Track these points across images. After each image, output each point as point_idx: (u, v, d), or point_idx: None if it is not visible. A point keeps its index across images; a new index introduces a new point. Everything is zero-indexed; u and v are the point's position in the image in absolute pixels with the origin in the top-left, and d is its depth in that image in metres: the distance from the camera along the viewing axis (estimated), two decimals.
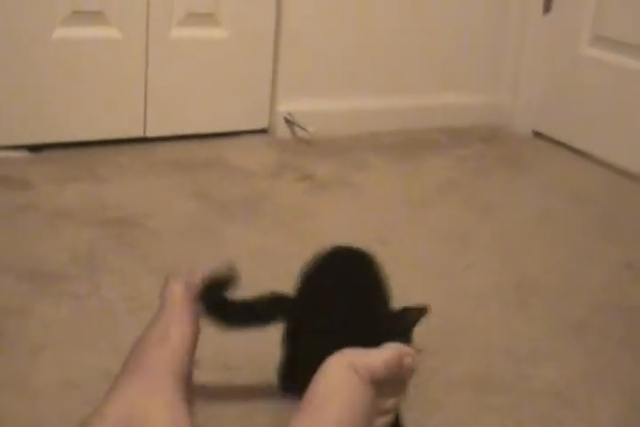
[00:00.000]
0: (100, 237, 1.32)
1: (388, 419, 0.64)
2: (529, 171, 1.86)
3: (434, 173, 1.78)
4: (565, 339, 1.16)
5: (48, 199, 1.45)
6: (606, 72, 1.91)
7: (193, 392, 0.58)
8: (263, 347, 0.94)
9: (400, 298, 0.97)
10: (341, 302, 0.86)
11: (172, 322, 0.59)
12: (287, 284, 1.22)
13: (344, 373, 0.58)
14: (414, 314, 0.93)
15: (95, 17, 1.65)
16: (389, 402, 0.64)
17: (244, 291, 1.19)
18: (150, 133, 1.76)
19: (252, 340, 0.91)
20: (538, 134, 2.08)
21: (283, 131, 1.89)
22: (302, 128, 1.86)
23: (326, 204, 1.56)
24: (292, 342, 0.88)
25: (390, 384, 0.62)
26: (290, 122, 1.88)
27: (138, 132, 1.74)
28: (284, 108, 1.88)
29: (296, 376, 0.85)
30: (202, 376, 0.91)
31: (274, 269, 1.25)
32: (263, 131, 1.90)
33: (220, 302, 0.84)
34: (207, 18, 1.77)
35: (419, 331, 0.96)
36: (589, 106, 1.96)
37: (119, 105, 1.71)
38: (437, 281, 1.10)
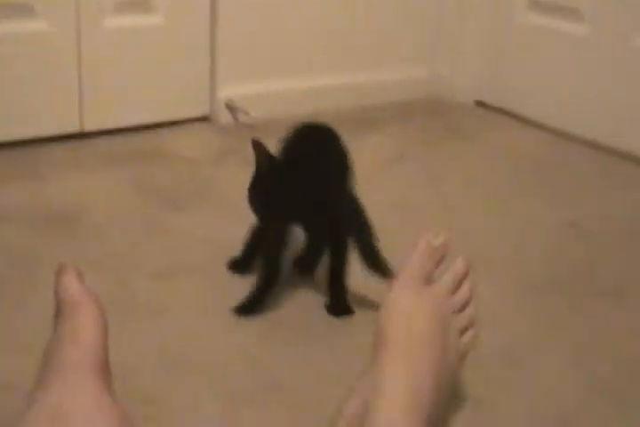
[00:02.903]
0: (40, 236, 1.29)
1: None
2: (473, 140, 1.87)
3: (379, 148, 1.78)
4: (513, 299, 1.17)
5: None
6: (544, 37, 1.91)
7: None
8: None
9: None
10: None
11: (79, 316, 0.58)
12: None
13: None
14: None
15: (22, 10, 1.60)
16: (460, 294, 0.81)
17: (198, 276, 1.19)
18: (88, 128, 1.72)
19: None
20: (480, 103, 2.08)
21: (224, 117, 1.87)
22: (244, 113, 1.84)
23: None
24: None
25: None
26: (231, 107, 1.86)
27: (75, 127, 1.71)
28: (224, 93, 1.86)
29: None
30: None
31: (224, 256, 1.25)
32: (205, 118, 1.88)
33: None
34: (141, 5, 1.73)
35: None
36: (528, 72, 1.97)
37: (54, 101, 1.68)
38: (385, 251, 1.11)
